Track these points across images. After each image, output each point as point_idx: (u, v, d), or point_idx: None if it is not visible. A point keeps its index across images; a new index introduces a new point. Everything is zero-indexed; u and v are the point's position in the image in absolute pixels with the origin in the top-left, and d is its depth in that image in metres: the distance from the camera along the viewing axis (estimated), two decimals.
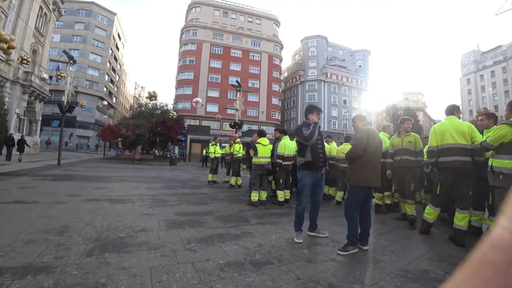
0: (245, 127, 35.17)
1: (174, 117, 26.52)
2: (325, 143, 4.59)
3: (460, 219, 3.48)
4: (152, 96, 22.33)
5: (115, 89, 54.61)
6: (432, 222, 3.84)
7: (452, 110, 3.91)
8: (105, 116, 48.01)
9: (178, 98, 43.99)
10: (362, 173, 3.17)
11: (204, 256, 2.72)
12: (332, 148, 6.89)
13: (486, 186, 3.38)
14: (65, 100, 13.95)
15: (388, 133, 5.94)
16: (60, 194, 5.64)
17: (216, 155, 9.78)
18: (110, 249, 2.74)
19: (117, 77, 55.75)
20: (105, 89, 47.18)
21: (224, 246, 3.06)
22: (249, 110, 43.59)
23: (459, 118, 3.87)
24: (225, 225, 4.00)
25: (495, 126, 4.02)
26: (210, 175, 9.30)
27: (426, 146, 5.05)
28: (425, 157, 5.13)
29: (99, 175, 10.03)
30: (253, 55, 48.34)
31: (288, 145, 5.98)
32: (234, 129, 17.57)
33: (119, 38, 54.74)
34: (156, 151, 28.89)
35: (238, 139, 9.04)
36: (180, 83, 45.00)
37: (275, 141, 6.39)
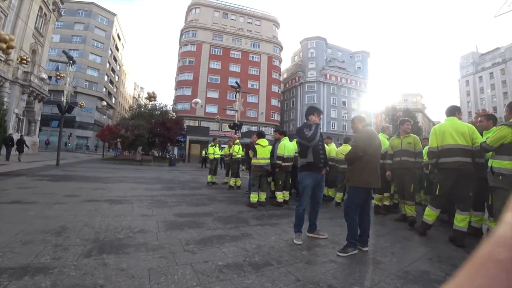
0: (244, 128, 35.26)
1: (174, 118, 26.50)
2: (324, 144, 4.59)
3: (460, 220, 3.47)
4: (151, 97, 22.33)
5: (115, 90, 54.57)
6: (431, 223, 3.82)
7: (453, 111, 3.90)
8: (104, 117, 47.98)
9: (177, 99, 43.96)
10: (363, 174, 3.17)
11: (203, 257, 2.70)
12: (332, 149, 6.89)
13: (486, 187, 3.37)
14: (64, 101, 13.92)
15: (387, 134, 5.95)
16: (59, 194, 5.61)
17: (215, 156, 9.77)
18: (108, 250, 2.72)
19: (117, 77, 55.73)
20: (104, 89, 47.15)
21: (223, 247, 3.04)
22: (249, 111, 43.61)
23: (460, 119, 3.85)
24: (224, 226, 3.99)
25: (494, 127, 4.03)
26: (209, 176, 9.29)
27: (426, 147, 5.06)
28: (425, 158, 5.14)
29: (98, 175, 10.00)
30: (253, 56, 48.38)
31: (287, 146, 5.97)
32: (234, 130, 17.57)
33: (119, 38, 54.74)
34: (155, 152, 28.85)
35: (238, 140, 9.02)
36: (179, 84, 44.98)
37: (274, 142, 6.39)
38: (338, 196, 6.39)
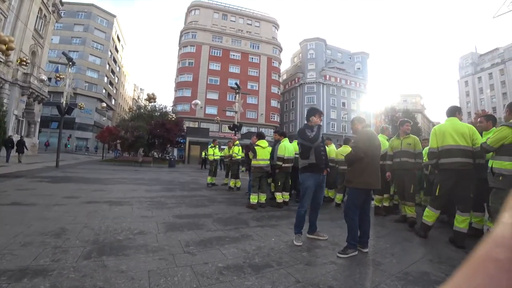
0: (244, 129, 35.25)
1: (173, 119, 26.52)
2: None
3: (461, 222, 3.47)
4: (151, 98, 22.35)
5: (114, 91, 54.57)
6: (431, 224, 3.80)
7: (453, 112, 3.89)
8: (104, 118, 47.96)
9: (177, 100, 43.97)
10: (363, 176, 3.16)
11: (203, 259, 2.69)
12: (331, 150, 6.88)
13: (486, 188, 3.36)
14: (64, 102, 13.93)
15: (387, 135, 5.95)
16: (58, 196, 5.61)
17: (215, 157, 9.76)
18: (107, 252, 2.71)
19: (116, 79, 55.73)
20: (104, 91, 47.14)
21: (223, 249, 3.03)
22: (248, 112, 43.62)
23: (460, 119, 3.84)
24: (224, 227, 3.98)
25: (494, 127, 4.03)
26: (209, 178, 9.29)
27: (426, 148, 5.05)
28: (424, 158, 5.13)
29: (97, 177, 9.99)
30: (252, 58, 48.42)
31: (288, 147, 5.97)
32: (233, 131, 17.58)
33: (119, 40, 54.79)
34: (155, 153, 28.83)
35: (237, 141, 9.02)
36: (179, 85, 44.99)
37: (274, 144, 6.39)
38: (338, 197, 6.39)
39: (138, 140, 22.41)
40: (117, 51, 53.92)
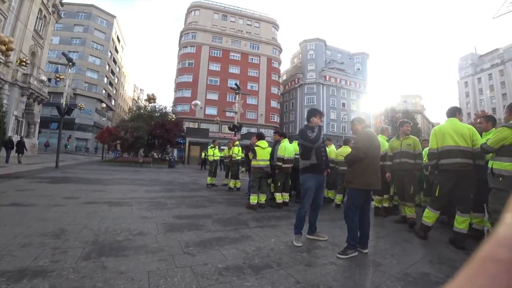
0: (244, 130, 35.25)
1: (173, 119, 26.50)
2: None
3: (461, 222, 3.46)
4: (151, 99, 22.33)
5: (114, 92, 54.55)
6: (431, 225, 3.78)
7: (454, 112, 3.87)
8: (103, 119, 47.93)
9: (177, 101, 43.98)
10: (364, 176, 3.16)
11: (203, 260, 2.69)
12: (331, 151, 6.88)
13: (486, 189, 3.35)
14: (64, 102, 13.93)
15: (386, 135, 5.95)
16: (58, 196, 5.60)
17: (215, 157, 9.76)
18: (107, 252, 2.71)
19: (116, 79, 55.73)
20: (104, 91, 47.13)
21: (223, 249, 3.03)
22: (248, 113, 43.65)
23: (460, 120, 3.83)
24: (224, 228, 3.97)
25: (493, 128, 4.02)
26: (208, 178, 9.28)
27: (426, 149, 5.05)
28: (424, 159, 5.13)
29: (97, 177, 9.98)
30: (252, 58, 48.46)
31: (288, 148, 5.97)
32: (233, 132, 17.59)
33: (118, 40, 54.79)
34: (155, 154, 28.81)
35: (237, 142, 9.01)
36: (179, 86, 45.00)
37: (274, 144, 6.38)
38: (338, 198, 6.38)
39: (138, 141, 22.40)
40: (117, 51, 53.94)
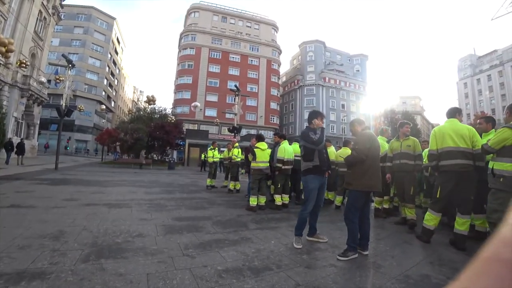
0: (243, 132, 35.22)
1: (173, 121, 26.52)
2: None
3: (461, 224, 3.45)
4: (150, 101, 22.30)
5: (114, 93, 54.61)
6: (433, 229, 3.68)
7: (454, 113, 3.85)
8: (103, 120, 47.98)
9: (176, 103, 44.03)
10: (364, 178, 3.14)
11: (202, 262, 2.68)
12: (331, 152, 6.86)
13: (487, 190, 3.34)
14: (64, 104, 13.91)
15: (386, 137, 5.95)
16: (57, 198, 5.58)
17: (215, 159, 9.75)
18: (106, 254, 2.70)
19: (116, 81, 55.80)
20: (103, 93, 47.19)
21: (223, 252, 3.02)
22: (248, 114, 43.70)
23: (460, 121, 3.80)
24: (224, 230, 3.96)
25: (493, 129, 4.02)
26: (208, 180, 9.27)
27: (426, 150, 5.04)
28: (424, 160, 5.13)
29: (96, 179, 9.96)
30: (252, 60, 48.57)
31: (287, 149, 5.96)
32: (233, 134, 17.59)
33: (118, 42, 54.91)
34: (155, 156, 28.80)
35: (237, 144, 9.01)
36: (178, 88, 45.07)
37: (274, 146, 6.38)
38: (338, 199, 6.37)
39: (138, 142, 22.40)
40: (116, 53, 54.04)
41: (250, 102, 44.37)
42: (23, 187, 6.90)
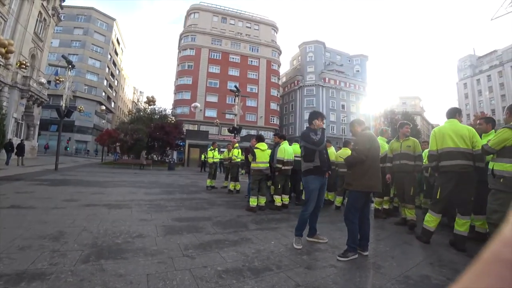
0: (243, 132, 35.26)
1: (173, 122, 26.54)
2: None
3: (461, 225, 3.45)
4: (150, 101, 22.35)
5: (114, 94, 54.61)
6: (433, 230, 3.68)
7: (454, 113, 3.83)
8: (103, 121, 47.93)
9: (176, 103, 44.05)
10: (364, 178, 3.14)
11: (202, 262, 2.68)
12: (331, 153, 6.86)
13: (487, 190, 3.34)
14: (63, 105, 13.92)
15: (386, 137, 5.95)
16: (57, 199, 5.58)
17: (215, 160, 9.75)
18: (106, 255, 2.70)
19: (116, 82, 55.81)
20: (103, 94, 47.19)
21: (223, 252, 3.01)
22: (248, 115, 43.71)
23: (460, 121, 3.78)
24: (224, 231, 3.96)
25: (493, 130, 4.02)
26: (208, 180, 9.26)
27: (426, 150, 5.04)
28: (424, 161, 5.12)
29: (96, 180, 9.96)
30: (252, 61, 48.61)
31: (287, 150, 5.96)
32: (233, 134, 17.61)
33: (118, 43, 54.93)
34: (155, 156, 28.80)
35: (237, 144, 9.01)
36: (178, 88, 45.09)
37: (274, 146, 6.38)
38: (338, 200, 6.37)
39: (138, 143, 22.40)
40: (116, 54, 54.06)
41: (250, 103, 44.40)
42: (23, 187, 6.90)
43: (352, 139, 3.95)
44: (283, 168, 5.83)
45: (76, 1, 44.82)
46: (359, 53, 60.39)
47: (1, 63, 17.11)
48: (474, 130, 3.66)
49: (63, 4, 26.97)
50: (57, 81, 16.57)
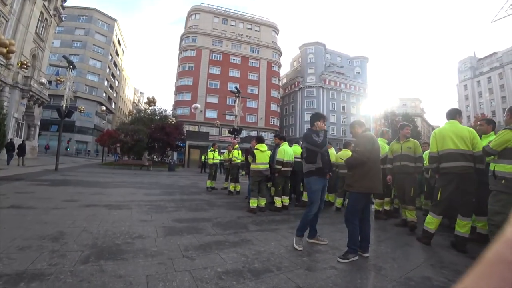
0: (244, 133, 35.27)
1: (173, 123, 26.53)
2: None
3: (462, 226, 3.44)
4: (151, 102, 22.40)
5: (114, 95, 54.68)
6: (433, 232, 3.67)
7: (454, 114, 3.81)
8: (104, 122, 48.01)
9: (177, 104, 44.08)
10: (365, 180, 3.13)
11: (202, 264, 2.67)
12: (331, 154, 6.85)
13: (487, 192, 3.32)
14: (64, 105, 13.95)
15: (386, 139, 5.95)
16: (57, 199, 5.57)
17: (215, 161, 9.74)
18: (106, 256, 2.69)
19: (117, 82, 55.89)
20: (104, 94, 47.24)
21: (223, 253, 3.00)
22: (248, 116, 43.71)
23: (460, 122, 3.77)
24: (224, 232, 3.95)
25: (492, 131, 4.01)
26: (208, 181, 9.24)
27: (427, 151, 5.03)
28: (425, 162, 5.11)
29: (97, 180, 9.96)
30: (252, 62, 48.68)
31: (287, 151, 5.96)
32: (233, 135, 17.60)
33: (119, 44, 55.04)
34: (155, 157, 28.80)
35: (237, 145, 9.00)
36: (179, 89, 45.15)
37: (275, 147, 6.37)
38: (338, 201, 6.36)
39: (138, 144, 22.40)
40: (117, 54, 54.16)
41: (251, 104, 44.45)
42: (23, 188, 6.90)
43: (353, 141, 3.94)
44: (282, 169, 5.82)
45: (77, 1, 44.99)
46: (360, 55, 60.54)
47: (2, 63, 17.14)
48: (474, 131, 3.64)
49: (64, 4, 27.05)
50: (58, 81, 16.57)
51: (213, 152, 9.90)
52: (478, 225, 3.93)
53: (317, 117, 3.63)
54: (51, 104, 29.61)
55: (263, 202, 5.87)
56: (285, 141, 6.26)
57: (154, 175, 14.57)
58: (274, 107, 49.48)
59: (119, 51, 55.62)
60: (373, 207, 5.42)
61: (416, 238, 3.95)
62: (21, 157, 14.29)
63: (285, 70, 63.85)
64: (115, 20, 49.46)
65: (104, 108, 33.11)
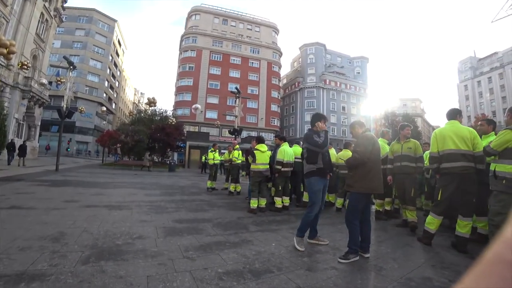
0: (244, 134, 35.27)
1: (173, 123, 26.53)
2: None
3: (463, 227, 3.43)
4: (151, 102, 22.37)
5: (115, 95, 54.74)
6: (433, 232, 3.66)
7: (454, 114, 3.80)
8: (104, 122, 48.05)
9: (177, 105, 44.10)
10: (366, 180, 3.13)
11: (202, 264, 2.66)
12: (332, 154, 6.85)
13: (488, 192, 3.32)
14: (65, 106, 13.97)
15: (387, 139, 5.94)
16: (57, 200, 5.58)
17: (215, 161, 9.74)
18: (106, 256, 2.69)
19: (117, 83, 55.95)
20: (104, 95, 47.29)
21: (223, 254, 3.00)
22: (248, 116, 43.70)
23: (461, 122, 3.75)
24: (224, 232, 3.95)
25: (493, 132, 4.01)
26: (209, 182, 9.24)
27: (427, 152, 5.03)
28: (426, 162, 5.11)
29: (97, 181, 9.97)
30: (252, 62, 48.69)
31: (287, 152, 5.96)
32: (233, 136, 17.59)
33: (119, 44, 55.13)
34: (155, 157, 28.80)
35: (237, 146, 9.00)
36: (179, 90, 45.17)
37: (275, 148, 6.37)
38: (339, 202, 6.36)
39: (138, 144, 22.41)
40: (118, 55, 54.23)
41: (251, 104, 44.45)
42: (23, 188, 6.90)
43: (353, 141, 3.93)
44: (282, 169, 5.82)
45: (77, 2, 45.04)
46: (360, 55, 60.53)
47: (3, 64, 17.17)
48: (475, 131, 3.63)
49: (65, 5, 27.08)
50: (58, 82, 16.57)
51: (214, 152, 9.90)
52: (479, 226, 3.92)
53: (317, 117, 3.62)
54: (51, 104, 29.66)
55: (263, 202, 5.87)
56: (285, 141, 6.26)
57: (155, 176, 14.57)
58: (274, 107, 49.49)
59: (120, 52, 55.70)
60: (373, 207, 5.42)
61: (416, 239, 3.95)
62: (22, 158, 14.31)
63: (285, 70, 63.99)
64: (115, 20, 49.55)
65: (104, 108, 33.10)
